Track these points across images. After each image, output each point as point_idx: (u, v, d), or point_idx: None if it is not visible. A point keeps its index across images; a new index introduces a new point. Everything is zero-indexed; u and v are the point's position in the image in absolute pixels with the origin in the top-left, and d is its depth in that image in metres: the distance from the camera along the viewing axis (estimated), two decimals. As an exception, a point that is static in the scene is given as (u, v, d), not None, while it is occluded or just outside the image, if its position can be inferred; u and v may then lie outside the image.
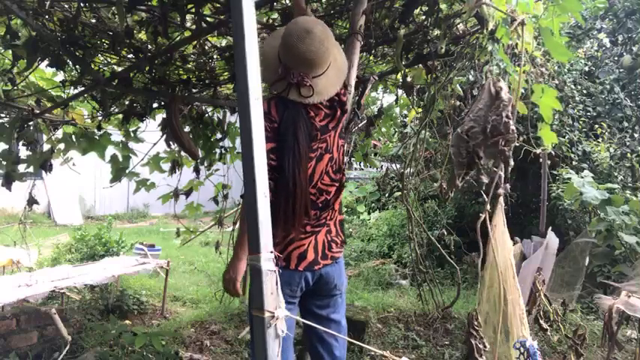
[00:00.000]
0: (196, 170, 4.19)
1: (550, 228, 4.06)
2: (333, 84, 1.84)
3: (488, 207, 2.10)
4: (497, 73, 2.89)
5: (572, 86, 6.39)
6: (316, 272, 1.91)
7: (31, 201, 3.93)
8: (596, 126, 6.46)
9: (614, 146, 6.26)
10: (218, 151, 4.38)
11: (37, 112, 3.46)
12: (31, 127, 3.56)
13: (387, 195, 8.03)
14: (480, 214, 2.10)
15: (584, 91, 6.68)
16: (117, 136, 3.97)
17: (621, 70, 6.97)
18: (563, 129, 5.91)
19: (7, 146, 3.53)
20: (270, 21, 2.98)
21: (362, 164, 7.22)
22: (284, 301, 1.83)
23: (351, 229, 8.62)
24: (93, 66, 3.12)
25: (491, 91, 2.06)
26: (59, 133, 3.86)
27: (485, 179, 2.06)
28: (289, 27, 1.77)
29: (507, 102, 2.03)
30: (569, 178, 5.02)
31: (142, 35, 2.94)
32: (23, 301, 3.46)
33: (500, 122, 1.99)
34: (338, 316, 2.05)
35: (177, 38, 2.84)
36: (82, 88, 3.31)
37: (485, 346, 2.01)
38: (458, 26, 2.79)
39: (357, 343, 1.98)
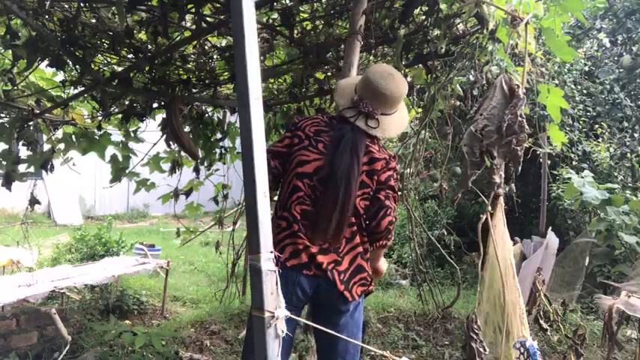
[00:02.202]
0: (196, 170, 4.19)
1: (550, 228, 4.07)
2: (395, 129, 2.00)
3: (489, 208, 2.09)
4: (497, 73, 2.89)
5: (572, 86, 6.38)
6: (312, 279, 1.83)
7: (33, 201, 3.93)
8: (596, 126, 6.46)
9: (614, 146, 6.26)
10: (218, 151, 4.38)
11: (37, 112, 3.45)
12: (31, 127, 3.56)
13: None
14: (481, 215, 2.10)
15: (584, 91, 6.68)
16: (117, 136, 3.97)
17: (621, 70, 6.96)
18: (564, 129, 5.90)
19: (7, 146, 3.53)
20: (270, 21, 2.98)
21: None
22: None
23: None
24: (93, 66, 3.12)
25: (504, 88, 2.05)
26: (59, 133, 3.86)
27: (497, 179, 2.05)
28: (373, 67, 1.98)
29: (523, 100, 2.03)
30: (569, 178, 5.03)
31: (142, 35, 2.95)
32: (23, 301, 3.45)
33: (516, 121, 1.99)
34: (350, 335, 1.95)
35: (177, 38, 2.84)
36: (82, 88, 3.31)
37: (485, 350, 2.00)
38: (458, 26, 2.79)
39: (358, 343, 1.97)
